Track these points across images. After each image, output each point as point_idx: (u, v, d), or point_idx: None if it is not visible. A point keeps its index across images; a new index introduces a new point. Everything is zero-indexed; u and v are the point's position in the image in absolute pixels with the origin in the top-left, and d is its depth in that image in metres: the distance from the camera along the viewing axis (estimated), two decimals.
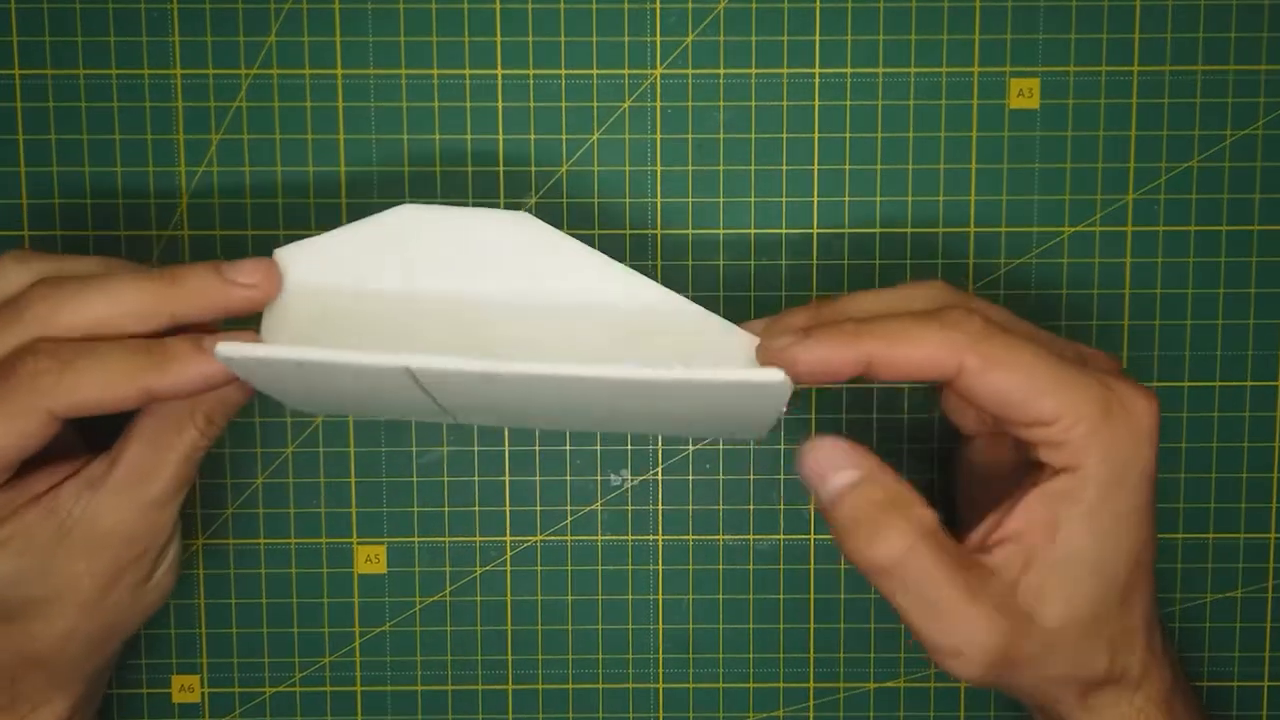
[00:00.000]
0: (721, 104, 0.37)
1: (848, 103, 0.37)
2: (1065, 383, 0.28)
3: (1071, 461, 0.28)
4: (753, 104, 0.37)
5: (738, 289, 0.37)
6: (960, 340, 0.28)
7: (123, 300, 0.29)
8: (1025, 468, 0.30)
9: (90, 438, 0.33)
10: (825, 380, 0.28)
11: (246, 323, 0.31)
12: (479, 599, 0.38)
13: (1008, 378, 0.28)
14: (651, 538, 0.38)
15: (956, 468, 0.36)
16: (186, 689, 0.38)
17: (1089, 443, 0.28)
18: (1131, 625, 0.30)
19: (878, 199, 0.37)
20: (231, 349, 0.27)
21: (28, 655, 0.32)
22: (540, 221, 0.30)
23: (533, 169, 0.37)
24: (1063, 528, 0.29)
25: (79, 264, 0.31)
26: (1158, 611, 0.32)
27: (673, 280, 0.37)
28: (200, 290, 0.29)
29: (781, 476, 0.38)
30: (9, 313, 0.29)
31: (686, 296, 0.32)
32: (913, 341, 0.28)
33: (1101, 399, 0.28)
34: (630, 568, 0.38)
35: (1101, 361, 0.31)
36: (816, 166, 0.37)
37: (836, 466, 0.29)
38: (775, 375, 0.27)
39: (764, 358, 0.29)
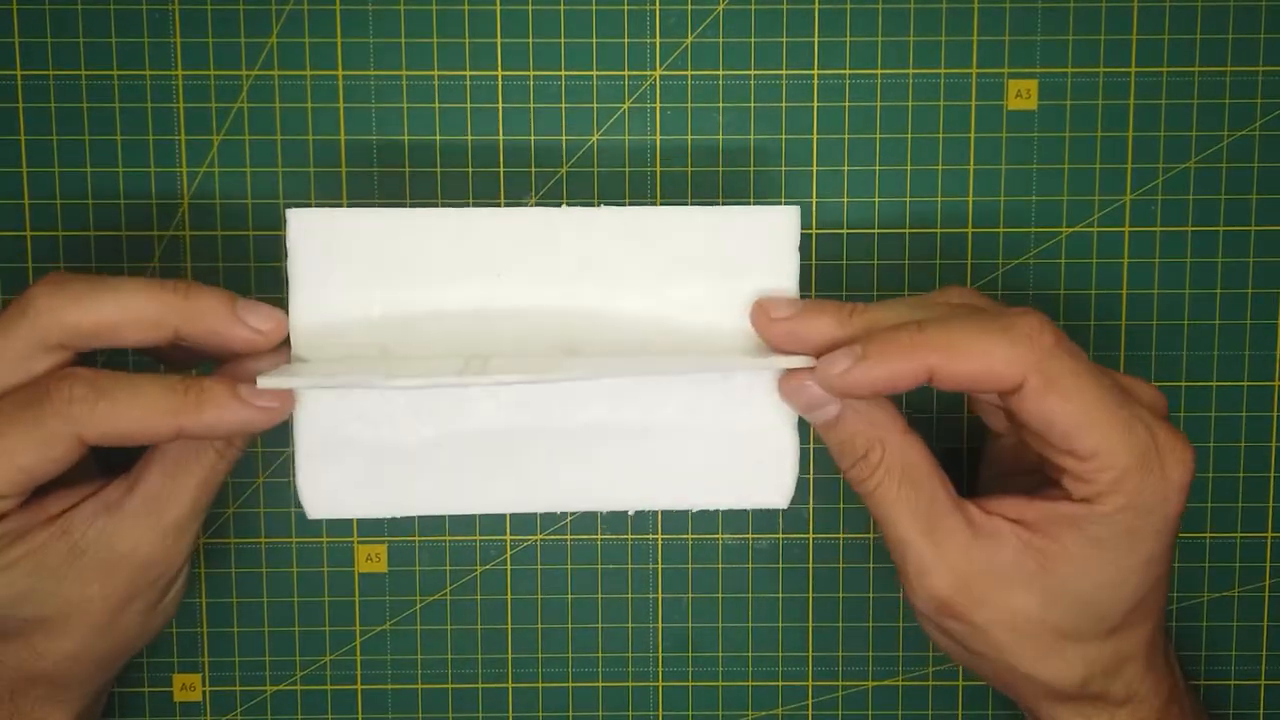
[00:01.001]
0: (721, 105, 0.37)
1: (846, 104, 0.37)
2: (1114, 424, 0.27)
3: (1088, 497, 0.28)
4: (752, 105, 0.37)
5: None
6: (1028, 358, 0.27)
7: (130, 305, 0.29)
8: (1045, 478, 0.30)
9: (103, 459, 0.33)
10: (884, 391, 0.28)
11: None
12: (479, 598, 0.39)
13: (1063, 405, 0.27)
14: (651, 537, 0.38)
15: (981, 457, 0.36)
16: (188, 688, 0.39)
17: (1115, 488, 0.28)
18: (1123, 653, 0.30)
19: (876, 200, 0.37)
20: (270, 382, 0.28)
21: (33, 672, 0.32)
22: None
23: (533, 170, 0.37)
24: (1057, 553, 0.29)
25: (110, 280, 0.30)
26: (1163, 638, 0.32)
27: None
28: (209, 312, 0.29)
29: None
30: (15, 309, 0.29)
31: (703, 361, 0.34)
32: (977, 355, 0.27)
33: (1142, 449, 0.27)
34: (630, 567, 0.38)
35: (1144, 394, 0.30)
36: (815, 168, 0.37)
37: (819, 403, 0.29)
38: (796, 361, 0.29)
39: (824, 383, 0.28)
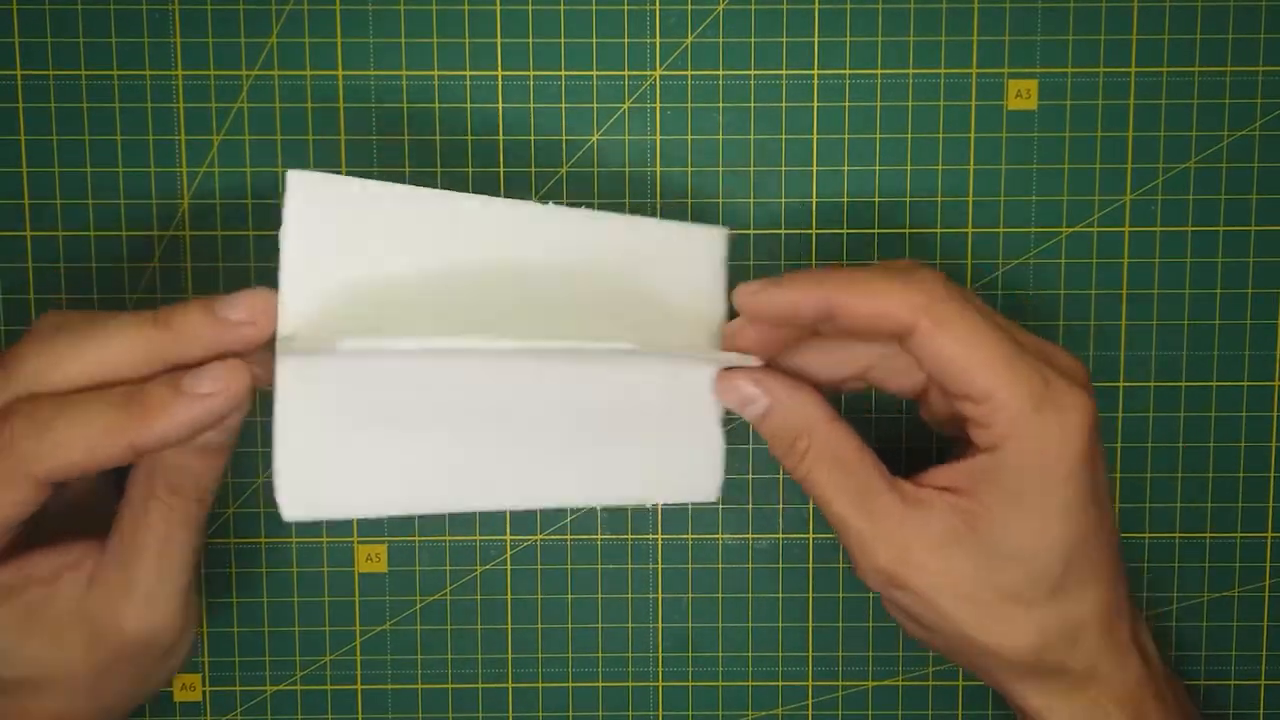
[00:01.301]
0: (721, 105, 0.37)
1: (846, 104, 0.37)
2: (1004, 364, 0.29)
3: (993, 443, 0.29)
4: (752, 105, 0.37)
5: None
6: (919, 300, 0.29)
7: (112, 349, 0.28)
8: (961, 442, 0.31)
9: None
10: (787, 325, 0.30)
11: None
12: (479, 598, 0.39)
13: (953, 345, 0.29)
14: (651, 537, 0.38)
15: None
16: (188, 688, 0.39)
17: (1012, 429, 0.29)
18: (1074, 618, 0.30)
19: (876, 199, 0.37)
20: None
21: None
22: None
23: (533, 170, 0.37)
24: (979, 511, 0.30)
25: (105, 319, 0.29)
26: (1128, 608, 0.32)
27: None
28: (192, 333, 0.28)
29: (780, 476, 0.38)
30: (1, 371, 0.29)
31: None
32: (875, 293, 0.29)
33: (1035, 390, 0.29)
34: (630, 567, 0.38)
35: (1062, 360, 0.31)
36: (815, 167, 0.37)
37: (747, 399, 0.32)
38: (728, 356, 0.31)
39: (739, 300, 0.31)
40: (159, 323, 0.29)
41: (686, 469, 0.33)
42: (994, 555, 0.30)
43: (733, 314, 0.32)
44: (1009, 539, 0.30)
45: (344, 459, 0.30)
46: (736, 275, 0.37)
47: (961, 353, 0.29)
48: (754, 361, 0.31)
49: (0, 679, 0.30)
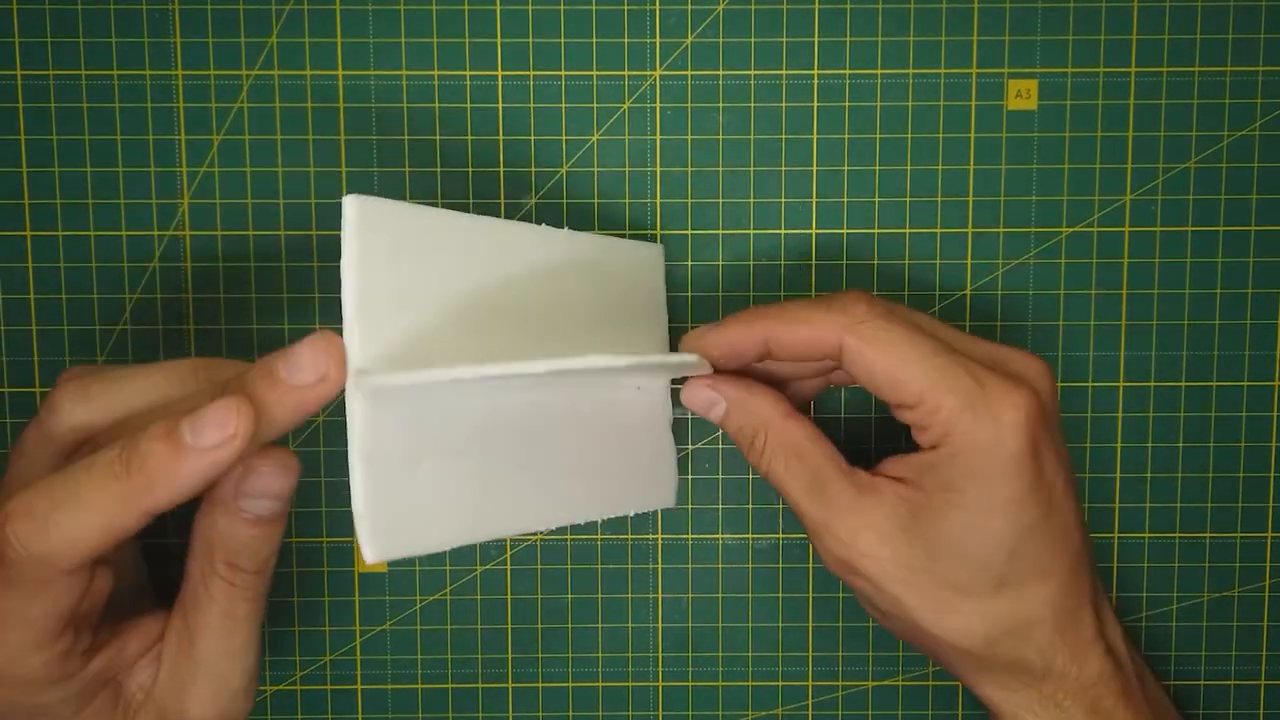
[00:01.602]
0: (721, 105, 0.37)
1: (846, 104, 0.37)
2: (931, 370, 0.30)
3: (933, 443, 0.30)
4: (752, 105, 0.37)
5: (736, 289, 0.37)
6: (841, 322, 0.31)
7: (149, 396, 0.28)
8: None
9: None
10: (736, 362, 0.33)
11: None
12: (479, 598, 0.39)
13: (878, 360, 0.30)
14: (651, 537, 0.38)
15: None
16: None
17: (947, 429, 0.30)
18: (1024, 614, 0.31)
19: (876, 200, 0.37)
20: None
21: None
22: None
23: (533, 170, 0.37)
24: (923, 501, 0.31)
25: (138, 379, 0.29)
26: (1091, 605, 0.32)
27: (673, 280, 0.37)
28: (268, 408, 0.26)
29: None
30: (39, 418, 0.29)
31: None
32: (802, 322, 0.31)
33: (966, 389, 0.30)
34: (630, 567, 0.38)
35: (1014, 363, 0.31)
36: (815, 167, 0.37)
37: (709, 403, 0.33)
38: (689, 358, 0.32)
39: (684, 346, 0.33)
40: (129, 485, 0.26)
41: (652, 478, 0.35)
42: (936, 546, 0.31)
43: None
44: (949, 531, 0.30)
45: (414, 495, 0.28)
46: (738, 274, 0.37)
47: (887, 364, 0.30)
48: (706, 365, 0.33)
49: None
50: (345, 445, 0.27)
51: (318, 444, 0.38)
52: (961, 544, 0.30)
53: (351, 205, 0.27)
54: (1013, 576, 0.31)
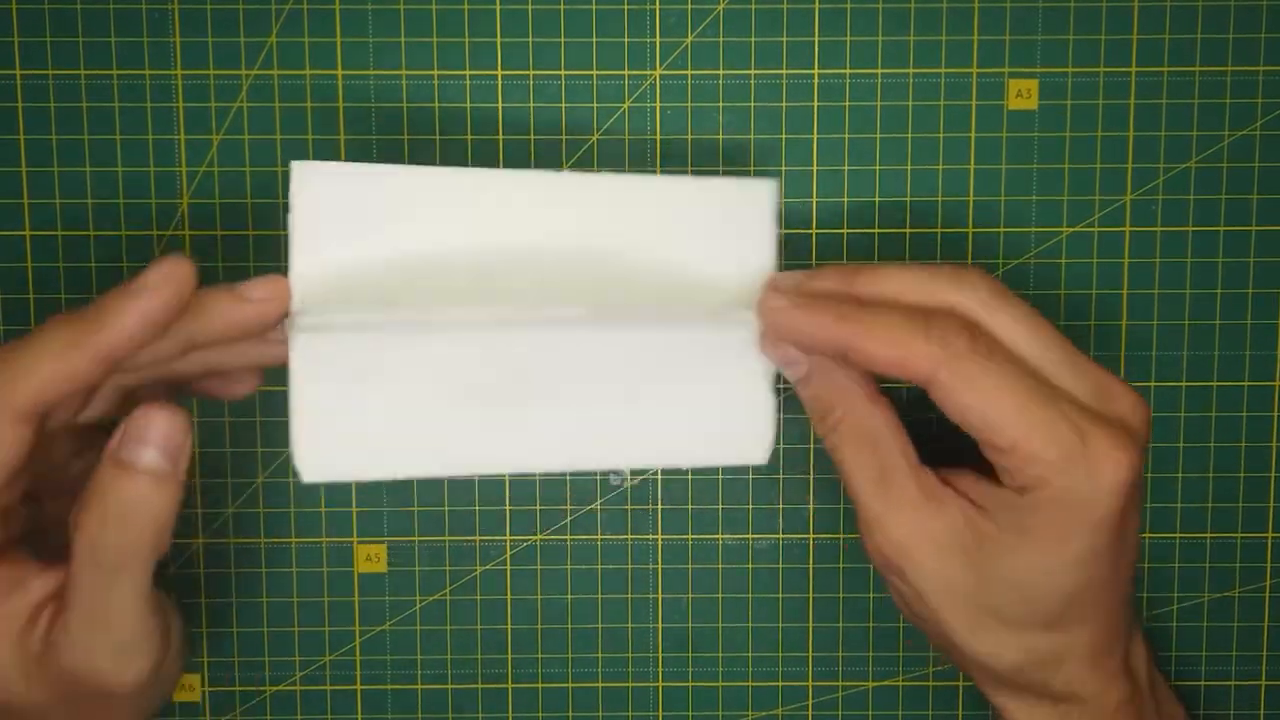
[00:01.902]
0: (721, 105, 0.37)
1: (847, 104, 0.37)
2: (1032, 421, 0.28)
3: (1019, 488, 0.29)
4: (752, 105, 0.37)
5: None
6: (938, 355, 0.28)
7: (129, 323, 0.28)
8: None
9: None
10: (808, 350, 0.30)
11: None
12: (479, 598, 0.39)
13: (975, 401, 0.28)
14: (651, 537, 0.38)
15: None
16: (187, 688, 0.39)
17: (1038, 483, 0.28)
18: (1063, 649, 0.30)
19: (876, 199, 0.37)
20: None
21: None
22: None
23: (533, 169, 0.37)
24: (992, 534, 0.29)
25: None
26: (1123, 636, 0.31)
27: None
28: (214, 310, 0.29)
29: (780, 476, 0.38)
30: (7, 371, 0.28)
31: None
32: (892, 343, 0.28)
33: (1065, 447, 0.28)
34: (630, 567, 0.38)
35: (1119, 401, 0.29)
36: (815, 167, 0.37)
37: (789, 361, 0.31)
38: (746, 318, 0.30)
39: (764, 307, 0.31)
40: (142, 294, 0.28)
41: (733, 432, 0.32)
42: (994, 579, 0.30)
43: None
44: (1014, 571, 0.29)
45: (359, 424, 0.30)
46: None
47: (982, 408, 0.28)
48: (751, 333, 0.31)
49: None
50: None
51: None
52: (1020, 584, 0.29)
53: (296, 170, 0.29)
54: (1063, 620, 0.30)
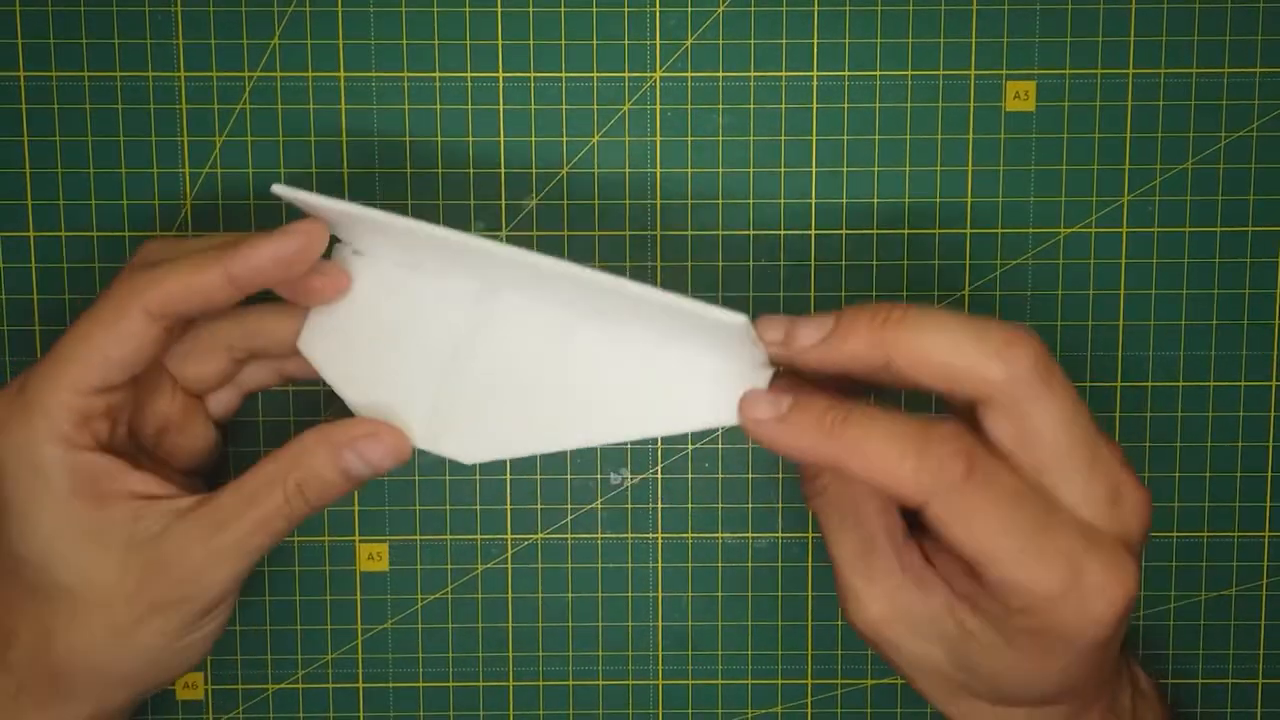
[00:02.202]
0: (720, 106, 0.37)
1: (845, 105, 0.37)
2: (1024, 558, 0.26)
3: (1008, 603, 0.27)
4: (751, 106, 0.37)
5: (736, 290, 0.38)
6: (929, 486, 0.26)
7: (191, 273, 0.30)
8: None
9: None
10: (793, 457, 0.28)
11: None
12: (480, 596, 0.39)
13: (965, 539, 0.27)
14: (651, 536, 0.39)
15: None
16: (190, 686, 0.39)
17: (1031, 609, 0.27)
18: (1044, 716, 0.30)
19: (875, 200, 0.37)
20: (285, 190, 0.30)
21: (42, 663, 0.31)
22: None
23: (534, 171, 0.37)
24: (974, 630, 0.29)
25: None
26: (1108, 693, 0.31)
27: (672, 281, 0.38)
28: (254, 251, 0.30)
29: (780, 475, 0.38)
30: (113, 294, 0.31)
31: (686, 296, 0.31)
32: (882, 470, 0.27)
33: (1057, 584, 0.27)
34: (630, 566, 0.39)
35: (1125, 502, 0.28)
36: (815, 169, 0.37)
37: (773, 404, 0.28)
38: (738, 318, 0.27)
39: (743, 423, 0.28)
40: (225, 247, 0.30)
41: (704, 397, 0.30)
42: (972, 669, 0.29)
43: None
44: (993, 670, 0.29)
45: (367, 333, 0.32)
46: (738, 275, 0.37)
47: (975, 544, 0.26)
48: (748, 333, 0.28)
49: (46, 579, 0.30)
50: None
51: None
52: (998, 680, 0.29)
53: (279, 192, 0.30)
54: (1042, 705, 0.30)
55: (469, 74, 0.37)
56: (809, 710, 0.39)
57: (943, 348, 0.27)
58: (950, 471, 0.26)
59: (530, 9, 0.37)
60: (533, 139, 0.37)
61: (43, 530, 0.30)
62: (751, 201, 0.37)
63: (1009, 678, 0.29)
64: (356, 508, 0.38)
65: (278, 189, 0.30)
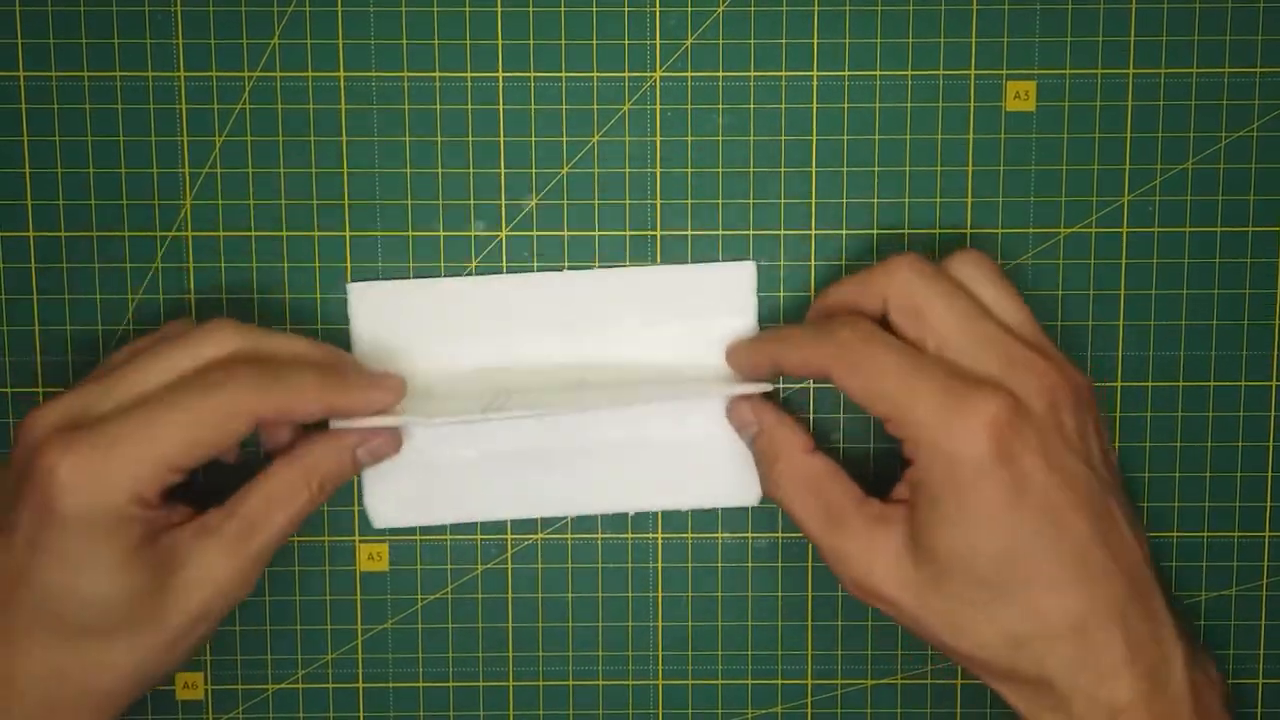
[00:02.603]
0: (720, 106, 0.37)
1: (845, 105, 0.37)
2: (905, 388, 0.31)
3: (911, 456, 0.31)
4: (751, 106, 0.37)
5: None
6: (830, 349, 0.32)
7: (303, 397, 0.33)
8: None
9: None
10: (765, 376, 0.36)
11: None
12: (480, 597, 0.39)
13: (857, 385, 0.32)
14: (651, 536, 0.39)
15: None
16: (190, 686, 0.39)
17: (920, 439, 0.31)
18: (1041, 628, 0.30)
19: (875, 200, 0.37)
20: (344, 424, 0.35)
21: (82, 689, 0.32)
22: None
23: (534, 171, 0.37)
24: (918, 518, 0.31)
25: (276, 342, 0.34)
26: (1125, 623, 0.30)
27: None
28: (358, 397, 0.34)
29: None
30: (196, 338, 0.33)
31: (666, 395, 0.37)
32: (798, 348, 0.34)
33: (934, 399, 0.31)
34: (630, 566, 0.39)
35: (1020, 367, 0.31)
36: (814, 168, 0.37)
37: (745, 424, 0.36)
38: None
39: (726, 357, 0.37)
40: (336, 384, 0.34)
41: (729, 479, 0.38)
42: (934, 562, 0.31)
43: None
44: (942, 545, 0.31)
45: (416, 484, 0.37)
46: None
47: (866, 386, 0.32)
48: (766, 387, 0.36)
49: (90, 620, 0.31)
50: None
51: None
52: (950, 556, 0.31)
53: (353, 291, 0.37)
54: (1011, 585, 0.30)
55: (469, 74, 0.37)
56: (809, 710, 0.39)
57: (800, 346, 0.34)
58: (844, 337, 0.32)
59: (530, 9, 0.37)
60: (533, 139, 0.37)
61: (103, 579, 0.31)
62: (751, 201, 0.37)
63: (956, 547, 0.31)
64: (356, 508, 0.38)
65: (337, 424, 0.34)
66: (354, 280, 0.37)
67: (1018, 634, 0.31)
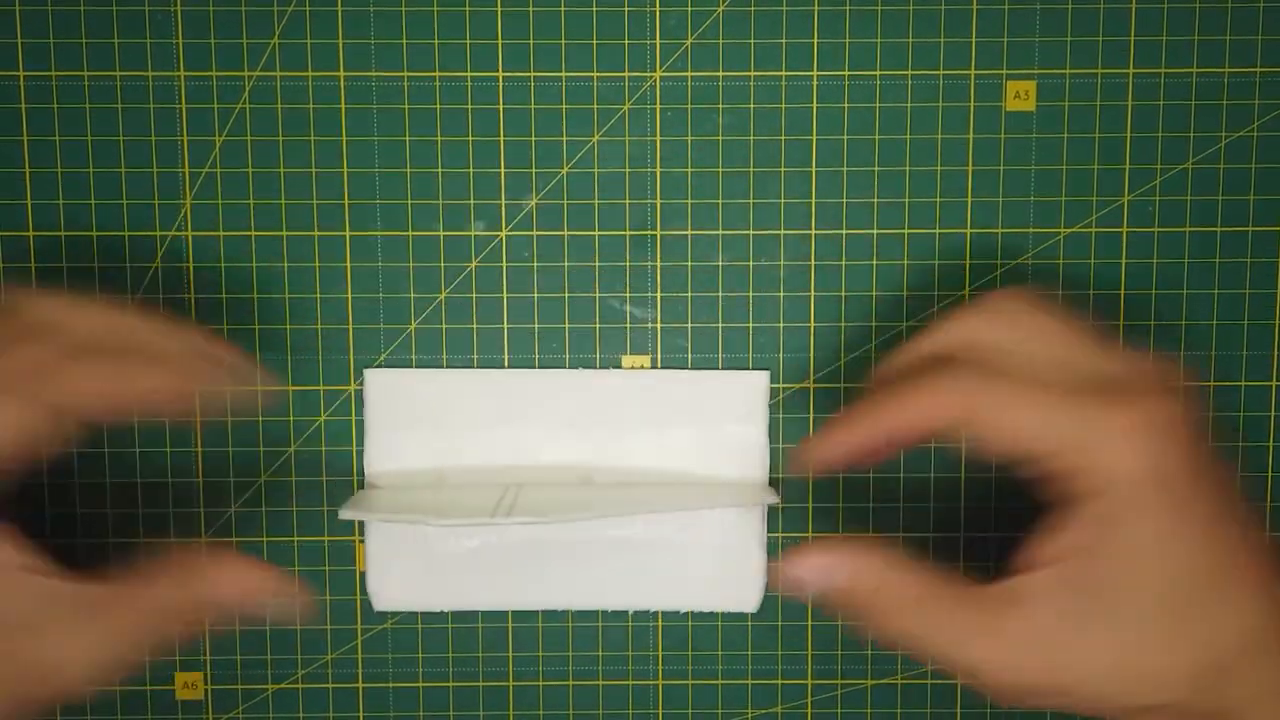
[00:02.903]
0: (720, 106, 0.37)
1: (845, 105, 0.37)
2: (1035, 420, 0.28)
3: (1065, 493, 0.28)
4: (751, 106, 0.37)
5: (736, 289, 0.38)
6: (957, 401, 0.29)
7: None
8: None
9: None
10: (864, 460, 0.31)
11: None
12: None
13: (1005, 420, 0.29)
14: None
15: None
16: (190, 686, 0.39)
17: (1070, 473, 0.28)
18: (1219, 651, 0.28)
19: (875, 200, 0.37)
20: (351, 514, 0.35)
21: None
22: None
23: (534, 170, 0.37)
24: (1087, 561, 0.28)
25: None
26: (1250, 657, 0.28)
27: (672, 280, 0.38)
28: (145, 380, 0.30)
29: (780, 476, 0.38)
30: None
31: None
32: (920, 408, 0.30)
33: (1072, 426, 0.28)
34: None
35: (1144, 376, 0.30)
36: (814, 168, 0.37)
37: (824, 570, 0.30)
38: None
39: (806, 460, 0.32)
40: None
41: (730, 584, 0.38)
42: (1109, 604, 0.28)
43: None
44: (1113, 575, 0.28)
45: (417, 571, 0.38)
46: (738, 275, 0.37)
47: (1014, 421, 0.29)
48: (773, 499, 0.36)
49: None
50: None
51: (318, 443, 0.38)
52: (1123, 592, 0.28)
53: (369, 378, 0.38)
54: (1188, 611, 0.28)
55: (469, 74, 0.37)
56: (809, 710, 0.39)
57: (917, 408, 0.30)
58: (966, 384, 0.29)
59: (530, 9, 0.37)
60: (533, 139, 0.37)
61: None
62: (751, 201, 0.37)
63: (1119, 578, 0.28)
64: None
65: (346, 514, 0.35)
66: (369, 369, 0.37)
67: (1196, 663, 0.28)
